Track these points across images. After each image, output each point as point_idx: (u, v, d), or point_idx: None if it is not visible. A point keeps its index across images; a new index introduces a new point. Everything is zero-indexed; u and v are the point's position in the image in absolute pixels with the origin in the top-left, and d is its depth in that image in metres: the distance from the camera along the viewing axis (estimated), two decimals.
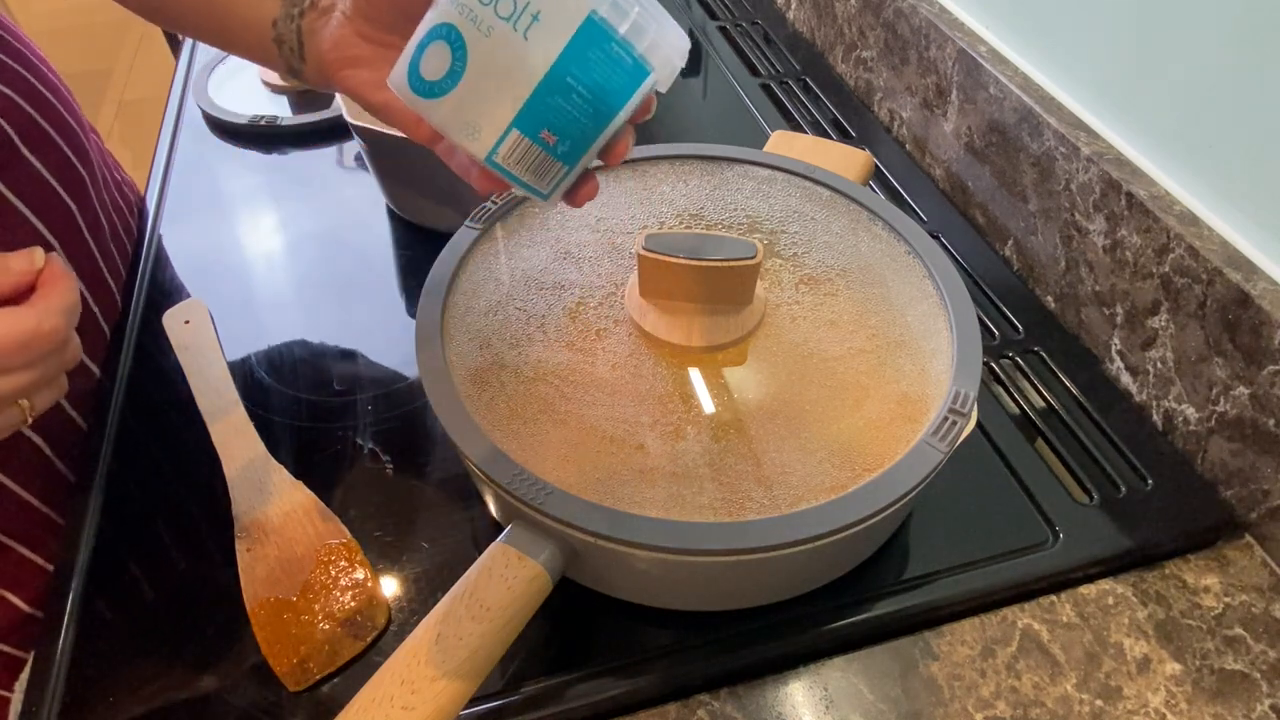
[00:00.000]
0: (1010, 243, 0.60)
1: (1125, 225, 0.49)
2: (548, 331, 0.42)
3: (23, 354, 0.33)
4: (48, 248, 0.48)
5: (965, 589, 0.41)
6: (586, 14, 0.27)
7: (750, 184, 0.50)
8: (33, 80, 0.51)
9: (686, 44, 0.30)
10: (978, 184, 0.62)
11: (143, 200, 0.66)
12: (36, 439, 0.48)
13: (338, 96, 0.58)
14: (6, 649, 0.47)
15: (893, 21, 0.69)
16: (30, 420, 0.35)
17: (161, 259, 0.61)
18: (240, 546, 0.43)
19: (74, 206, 0.52)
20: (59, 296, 0.34)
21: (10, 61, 0.49)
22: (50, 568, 0.47)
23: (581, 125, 0.29)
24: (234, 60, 0.80)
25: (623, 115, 0.30)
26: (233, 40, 0.41)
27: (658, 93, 0.31)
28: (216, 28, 0.41)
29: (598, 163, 0.32)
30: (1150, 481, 0.46)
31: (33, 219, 0.48)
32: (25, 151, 0.49)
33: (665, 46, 0.29)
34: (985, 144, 0.60)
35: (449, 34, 0.28)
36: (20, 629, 0.47)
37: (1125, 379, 0.51)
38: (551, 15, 0.27)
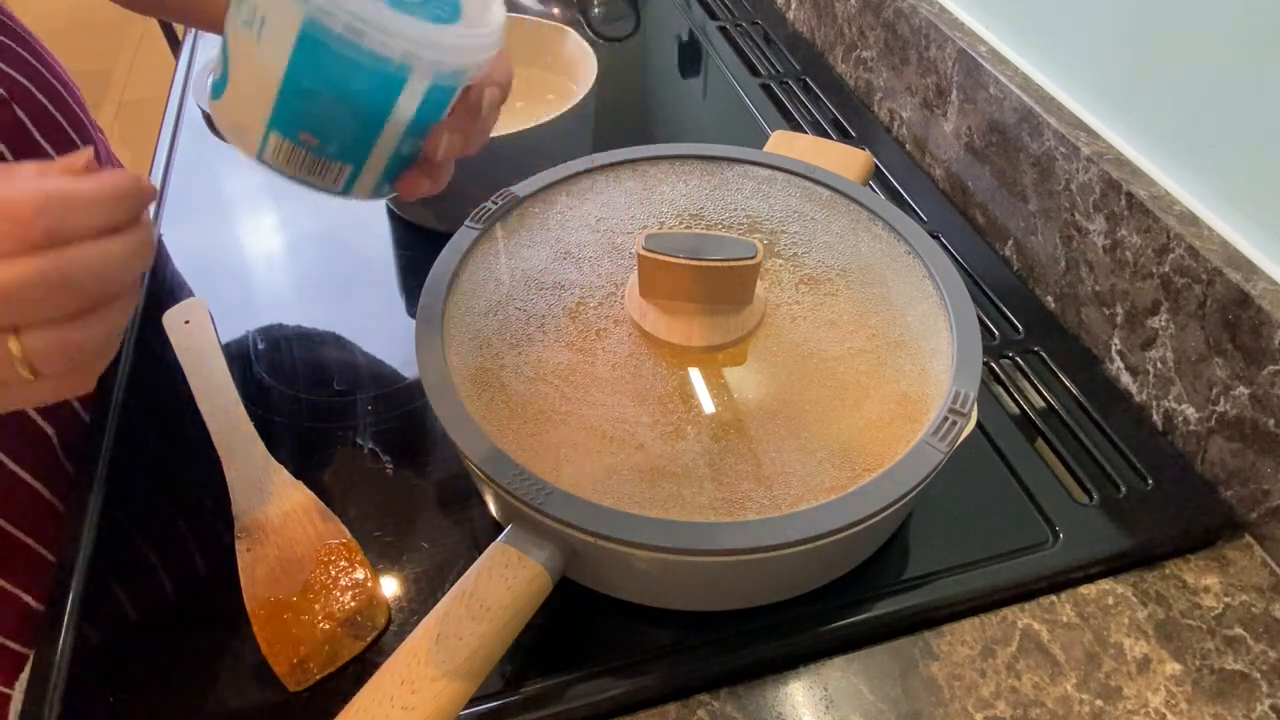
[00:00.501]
0: (1010, 243, 0.60)
1: (1125, 225, 0.49)
2: (548, 331, 0.42)
3: (125, 205, 0.27)
4: None
5: (965, 589, 0.41)
6: (303, 19, 0.27)
7: (750, 184, 0.50)
8: (44, 72, 0.51)
9: (470, 39, 0.29)
10: (978, 184, 0.62)
11: None
12: (49, 429, 0.48)
13: None
14: (13, 646, 0.47)
15: (893, 21, 0.69)
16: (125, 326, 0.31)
17: (162, 259, 0.61)
18: (240, 546, 0.43)
19: None
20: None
21: (21, 51, 0.50)
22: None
23: (345, 126, 0.30)
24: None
25: (403, 113, 0.30)
26: (215, 20, 0.42)
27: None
28: (198, 12, 0.43)
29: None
30: (1150, 481, 0.46)
31: None
32: (39, 138, 0.49)
33: (427, 44, 0.28)
34: (985, 144, 0.60)
35: (223, 40, 0.30)
36: (27, 626, 0.47)
37: (1125, 379, 0.51)
38: (275, 21, 0.28)
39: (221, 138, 0.34)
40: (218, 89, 0.30)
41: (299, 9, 0.27)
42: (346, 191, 0.32)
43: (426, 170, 0.33)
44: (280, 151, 0.30)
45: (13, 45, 0.49)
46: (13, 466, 0.46)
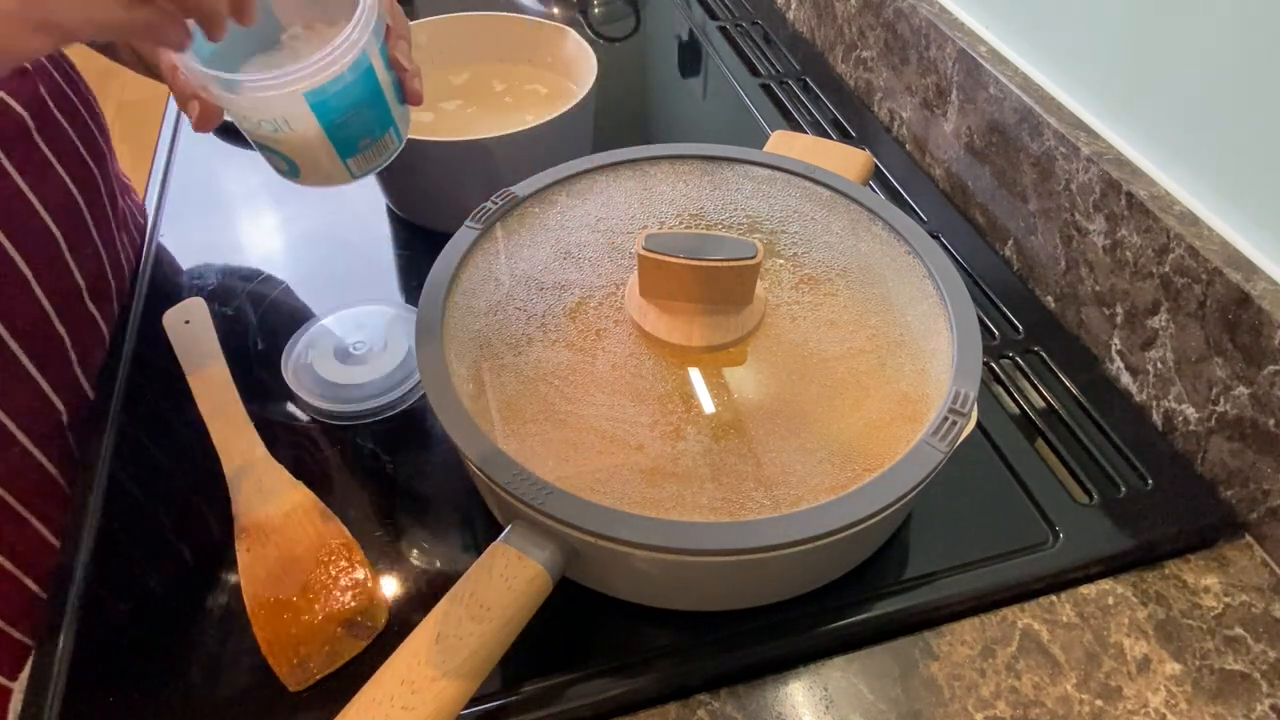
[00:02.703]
0: (1010, 243, 0.60)
1: (1125, 225, 0.49)
2: (548, 331, 0.42)
3: None
4: (52, 241, 0.49)
5: (965, 589, 0.41)
6: (306, 99, 0.36)
7: (750, 184, 0.50)
8: (59, 59, 0.52)
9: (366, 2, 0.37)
10: (978, 184, 0.62)
11: (147, 230, 0.66)
12: (60, 406, 0.49)
13: None
14: (15, 634, 0.47)
15: (893, 21, 0.69)
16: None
17: (161, 259, 0.61)
18: (240, 546, 0.43)
19: (81, 201, 0.53)
20: None
21: None
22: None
23: (372, 114, 0.40)
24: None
25: (382, 72, 0.39)
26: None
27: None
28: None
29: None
30: (1150, 481, 0.46)
31: (40, 209, 0.48)
32: (56, 113, 0.50)
33: (361, 30, 0.36)
34: (985, 144, 0.60)
35: (258, 148, 0.41)
36: (30, 616, 0.47)
37: (1125, 379, 0.51)
38: (290, 113, 0.37)
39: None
40: (294, 173, 0.40)
41: (299, 98, 0.36)
42: (401, 140, 0.42)
43: (410, 77, 0.41)
44: (361, 164, 0.40)
45: None
46: (25, 442, 0.47)
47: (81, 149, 0.53)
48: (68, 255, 0.50)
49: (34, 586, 0.47)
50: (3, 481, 0.46)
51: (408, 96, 0.42)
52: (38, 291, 0.48)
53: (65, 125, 0.52)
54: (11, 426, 0.46)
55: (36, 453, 0.48)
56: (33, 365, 0.47)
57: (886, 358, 0.40)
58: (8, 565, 0.46)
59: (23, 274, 0.46)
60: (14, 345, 0.46)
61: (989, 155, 0.60)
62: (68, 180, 0.51)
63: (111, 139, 0.60)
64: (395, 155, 0.42)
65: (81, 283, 0.52)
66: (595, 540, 0.34)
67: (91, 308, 0.53)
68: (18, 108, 0.48)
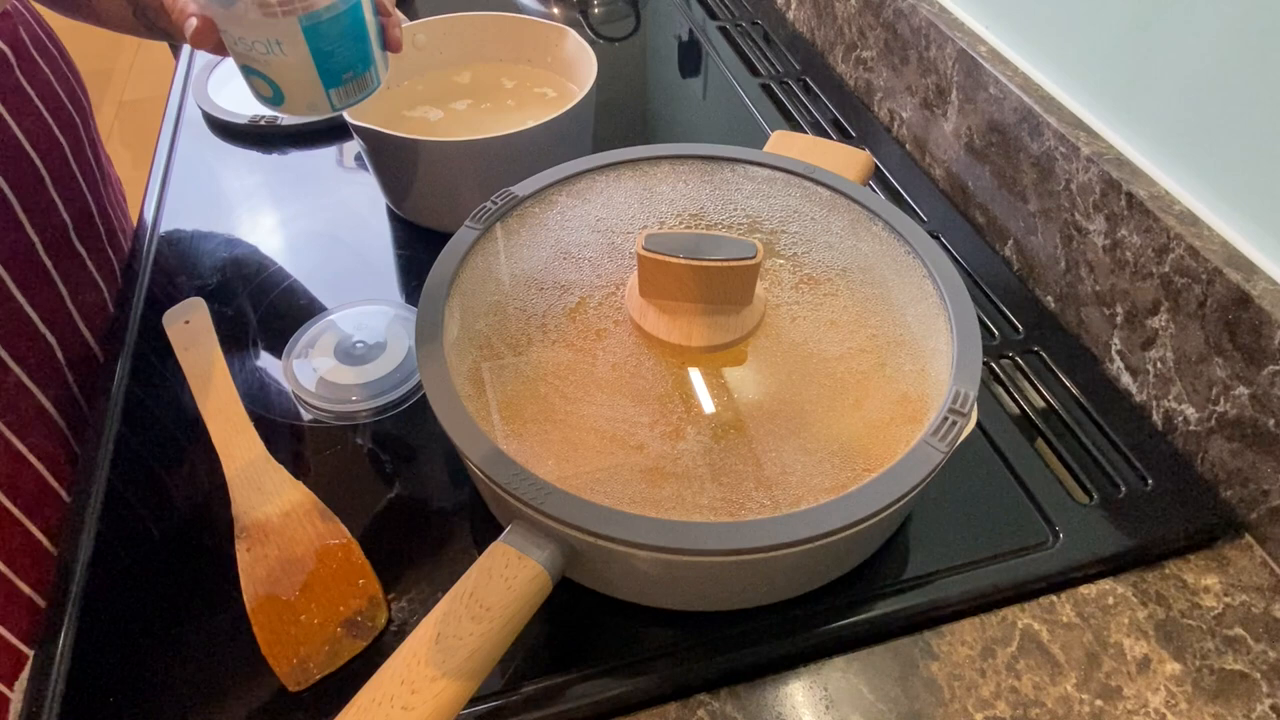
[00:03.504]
0: (1010, 243, 0.60)
1: (1125, 225, 0.49)
2: (548, 331, 0.42)
3: None
4: (40, 183, 0.50)
5: (965, 589, 0.41)
6: (300, 23, 0.38)
7: (750, 184, 0.50)
8: (28, 17, 0.53)
9: None
10: (978, 184, 0.62)
11: (148, 230, 0.66)
12: (52, 340, 0.50)
13: None
14: (24, 588, 0.46)
15: (893, 21, 0.69)
16: None
17: (161, 259, 0.61)
18: (240, 546, 0.43)
19: (65, 143, 0.53)
20: None
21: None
22: (54, 551, 0.47)
23: (355, 48, 0.42)
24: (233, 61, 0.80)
25: (368, 10, 0.41)
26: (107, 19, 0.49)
27: None
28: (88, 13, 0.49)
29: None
30: (1150, 481, 0.46)
31: (24, 142, 0.49)
32: (34, 53, 0.51)
33: None
34: (985, 144, 0.60)
35: (245, 71, 0.41)
36: (37, 565, 0.46)
37: (1125, 379, 0.51)
38: (284, 35, 0.39)
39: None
40: (278, 100, 0.40)
41: (293, 21, 0.37)
42: (379, 81, 0.43)
43: (391, 24, 0.43)
44: (343, 96, 0.41)
45: None
46: (20, 374, 0.47)
47: (61, 94, 0.54)
48: (52, 190, 0.51)
49: (39, 534, 0.47)
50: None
51: (388, 43, 0.43)
52: (23, 220, 0.48)
53: (45, 69, 0.53)
54: (5, 356, 0.47)
55: (33, 387, 0.48)
56: (22, 296, 0.48)
57: (886, 358, 0.40)
58: (8, 505, 0.46)
59: (8, 200, 0.47)
60: (1, 271, 0.47)
61: (989, 155, 0.60)
62: (50, 120, 0.52)
63: (110, 138, 0.61)
64: (372, 93, 0.43)
65: (67, 219, 0.53)
66: (595, 540, 0.34)
67: (78, 245, 0.54)
68: (1, 44, 0.48)
